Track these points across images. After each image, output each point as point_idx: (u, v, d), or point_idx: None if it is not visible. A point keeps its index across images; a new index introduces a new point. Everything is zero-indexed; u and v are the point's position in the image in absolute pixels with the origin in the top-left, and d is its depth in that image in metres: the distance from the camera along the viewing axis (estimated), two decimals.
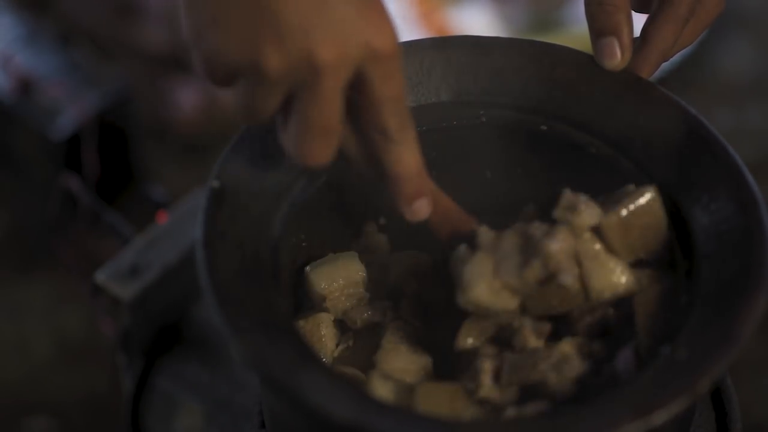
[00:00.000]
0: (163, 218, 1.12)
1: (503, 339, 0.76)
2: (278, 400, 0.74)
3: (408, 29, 1.72)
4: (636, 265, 0.77)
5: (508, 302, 0.74)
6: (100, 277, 1.08)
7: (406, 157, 0.72)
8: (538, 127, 0.83)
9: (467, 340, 0.76)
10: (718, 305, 0.71)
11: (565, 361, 0.74)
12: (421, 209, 0.75)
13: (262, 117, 0.69)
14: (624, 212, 0.75)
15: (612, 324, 0.77)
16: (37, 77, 1.51)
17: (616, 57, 0.81)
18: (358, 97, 0.70)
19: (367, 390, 0.74)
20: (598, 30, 0.81)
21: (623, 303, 0.76)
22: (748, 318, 0.69)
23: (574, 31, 1.68)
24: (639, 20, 0.83)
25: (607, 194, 0.78)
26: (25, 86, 1.50)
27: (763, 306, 0.70)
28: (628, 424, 0.66)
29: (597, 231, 0.75)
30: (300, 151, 0.70)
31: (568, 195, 0.76)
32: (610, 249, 0.75)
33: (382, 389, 0.74)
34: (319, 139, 0.69)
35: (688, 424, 0.81)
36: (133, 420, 1.09)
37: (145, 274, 1.08)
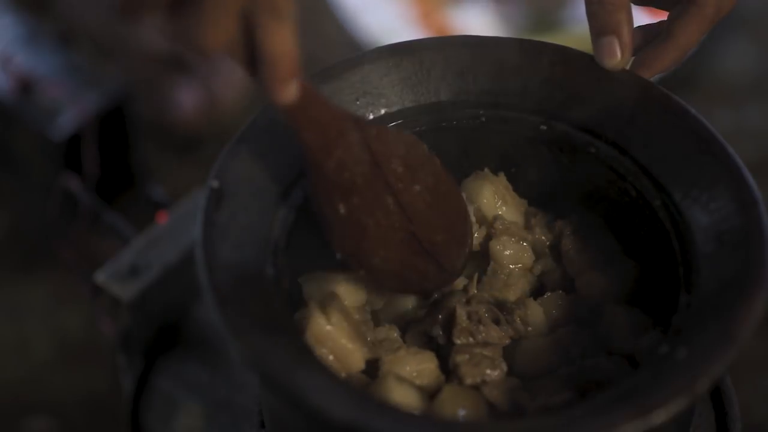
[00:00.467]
0: (163, 218, 1.12)
1: None
2: (278, 400, 0.73)
3: (408, 29, 1.72)
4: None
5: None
6: (100, 277, 1.08)
7: (289, 36, 0.70)
8: (538, 127, 0.83)
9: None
10: (718, 305, 0.71)
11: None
12: (292, 91, 0.72)
13: (155, 4, 0.66)
14: None
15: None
16: (37, 77, 1.51)
17: (616, 56, 0.81)
18: None
19: (381, 394, 0.74)
20: (599, 29, 0.81)
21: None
22: (747, 318, 0.69)
23: (574, 31, 1.68)
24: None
25: None
26: (25, 86, 1.50)
27: (762, 306, 0.70)
28: (628, 423, 0.66)
29: None
30: (200, 35, 0.68)
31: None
32: None
33: (398, 393, 0.74)
34: (223, 18, 0.68)
35: (687, 423, 0.81)
36: (133, 420, 1.09)
37: (145, 274, 1.08)
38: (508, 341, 0.79)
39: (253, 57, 0.71)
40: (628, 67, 0.83)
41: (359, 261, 0.79)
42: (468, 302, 0.80)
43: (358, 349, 0.77)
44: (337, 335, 0.77)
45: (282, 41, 0.70)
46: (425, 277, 0.81)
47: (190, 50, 0.69)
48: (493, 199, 0.84)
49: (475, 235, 0.83)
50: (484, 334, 0.78)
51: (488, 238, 0.84)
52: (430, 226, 0.80)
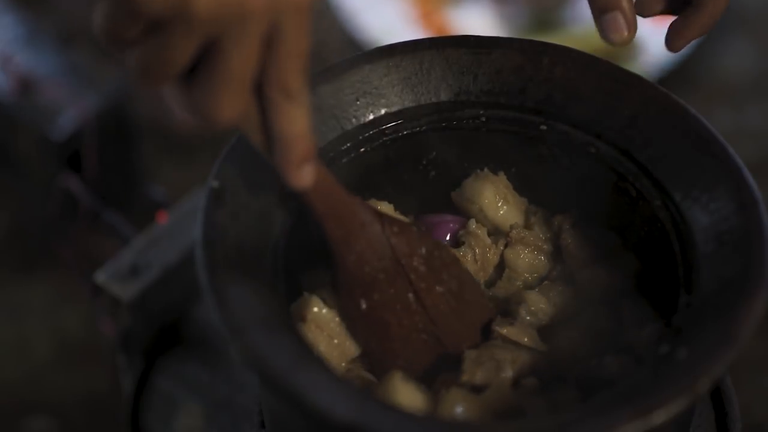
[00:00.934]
0: (163, 218, 1.12)
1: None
2: (278, 400, 0.74)
3: (408, 29, 1.72)
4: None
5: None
6: (100, 277, 1.08)
7: (302, 118, 0.70)
8: (538, 127, 0.83)
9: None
10: (718, 305, 0.71)
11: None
12: (307, 174, 0.72)
13: (168, 74, 0.65)
14: None
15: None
16: (37, 77, 1.51)
17: (623, 31, 0.79)
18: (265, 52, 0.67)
19: (386, 395, 0.74)
20: (601, 7, 0.80)
21: None
22: (748, 318, 0.69)
23: (574, 31, 1.68)
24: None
25: None
26: (25, 86, 1.50)
27: (763, 306, 0.70)
28: (628, 424, 0.66)
29: None
30: (212, 107, 0.67)
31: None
32: None
33: (402, 394, 0.74)
34: (235, 92, 0.66)
35: (687, 423, 0.81)
36: (133, 420, 1.09)
37: (145, 274, 1.08)
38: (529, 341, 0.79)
39: (267, 135, 0.70)
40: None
41: (384, 364, 0.78)
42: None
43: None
44: (335, 317, 0.77)
45: (294, 123, 0.69)
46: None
47: (201, 121, 0.68)
48: (495, 198, 0.84)
49: (490, 244, 0.84)
50: (506, 331, 0.78)
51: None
52: (456, 333, 0.80)
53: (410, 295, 0.78)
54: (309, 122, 0.70)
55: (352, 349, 0.78)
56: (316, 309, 0.77)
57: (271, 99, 0.69)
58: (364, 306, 0.77)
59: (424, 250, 0.79)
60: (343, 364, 0.78)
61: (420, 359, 0.79)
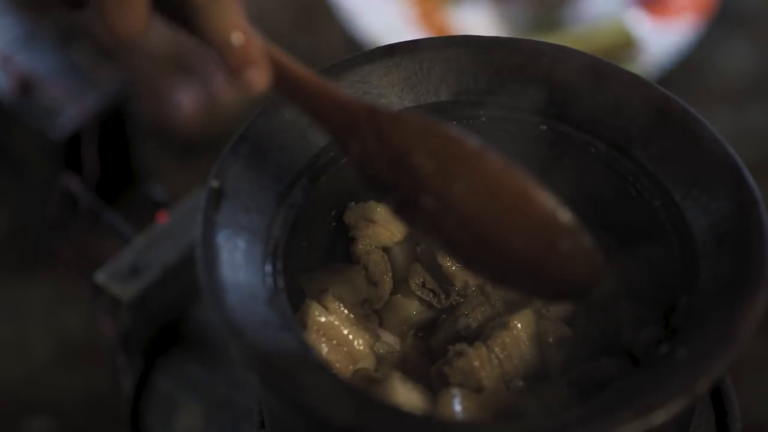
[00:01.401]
0: (163, 218, 1.12)
1: None
2: (278, 401, 0.74)
3: (408, 29, 1.72)
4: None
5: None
6: (100, 277, 1.08)
7: (223, 21, 0.64)
8: (538, 127, 0.83)
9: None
10: (718, 305, 0.71)
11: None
12: (254, 79, 0.66)
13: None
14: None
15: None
16: (37, 77, 1.51)
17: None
18: None
19: (384, 394, 0.74)
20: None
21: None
22: (748, 318, 0.69)
23: (574, 31, 1.68)
24: None
25: None
26: (25, 86, 1.50)
27: (763, 306, 0.70)
28: (628, 423, 0.66)
29: None
30: (115, 24, 0.64)
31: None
32: None
33: (401, 394, 0.74)
34: (131, 7, 0.63)
35: (687, 423, 0.81)
36: (133, 420, 1.09)
37: (145, 274, 1.08)
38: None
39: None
40: None
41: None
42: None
43: (361, 335, 0.77)
44: (337, 323, 0.77)
45: (216, 29, 0.65)
46: (538, 282, 0.73)
47: (113, 41, 0.65)
48: None
49: None
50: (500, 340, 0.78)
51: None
52: (495, 231, 0.71)
53: (425, 195, 0.70)
54: (237, 22, 0.64)
55: (359, 353, 0.78)
56: (317, 313, 0.77)
57: (190, 6, 0.64)
58: (392, 207, 0.71)
59: (431, 143, 0.70)
60: (351, 367, 0.78)
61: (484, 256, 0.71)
